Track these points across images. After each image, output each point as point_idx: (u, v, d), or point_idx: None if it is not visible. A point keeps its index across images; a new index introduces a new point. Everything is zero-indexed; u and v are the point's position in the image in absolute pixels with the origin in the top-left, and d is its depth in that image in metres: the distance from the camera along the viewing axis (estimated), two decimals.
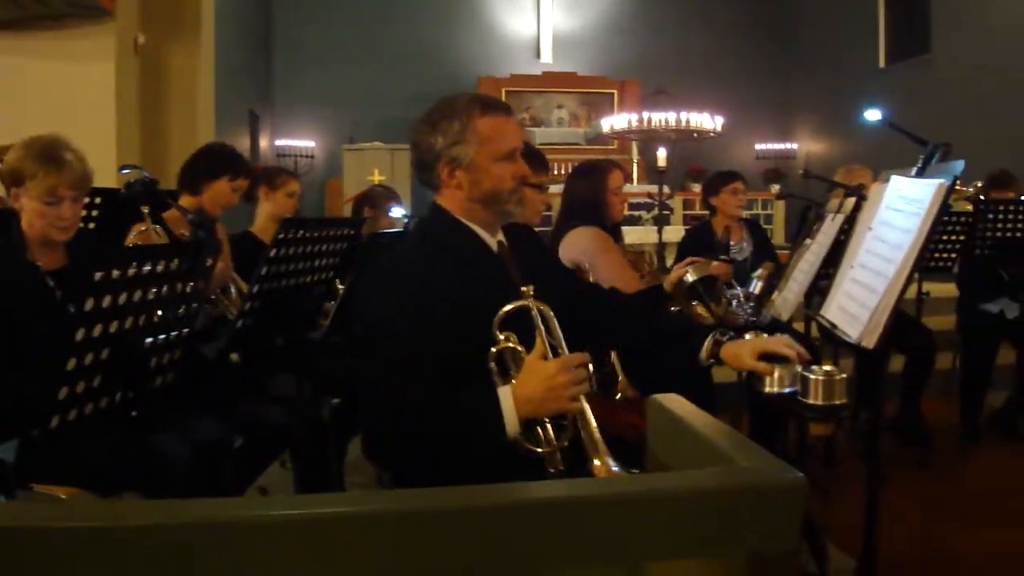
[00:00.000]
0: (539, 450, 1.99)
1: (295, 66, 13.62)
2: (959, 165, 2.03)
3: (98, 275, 2.00)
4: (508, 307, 2.04)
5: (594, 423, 1.98)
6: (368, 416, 2.06)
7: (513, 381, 2.00)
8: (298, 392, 3.27)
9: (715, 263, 3.58)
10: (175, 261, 2.22)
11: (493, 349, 2.02)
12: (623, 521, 1.19)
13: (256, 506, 1.30)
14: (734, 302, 3.89)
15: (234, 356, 3.25)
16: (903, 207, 2.09)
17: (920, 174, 2.20)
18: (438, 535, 1.15)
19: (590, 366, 2.03)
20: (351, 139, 11.86)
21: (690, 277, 3.31)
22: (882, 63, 13.28)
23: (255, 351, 3.30)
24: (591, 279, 3.55)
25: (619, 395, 2.93)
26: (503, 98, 13.71)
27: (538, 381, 1.94)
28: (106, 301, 2.03)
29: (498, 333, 2.02)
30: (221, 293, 3.41)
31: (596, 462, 1.93)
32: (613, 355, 3.05)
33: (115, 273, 2.02)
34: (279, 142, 13.51)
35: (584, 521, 1.19)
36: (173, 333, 2.34)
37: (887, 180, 2.28)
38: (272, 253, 2.79)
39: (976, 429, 5.01)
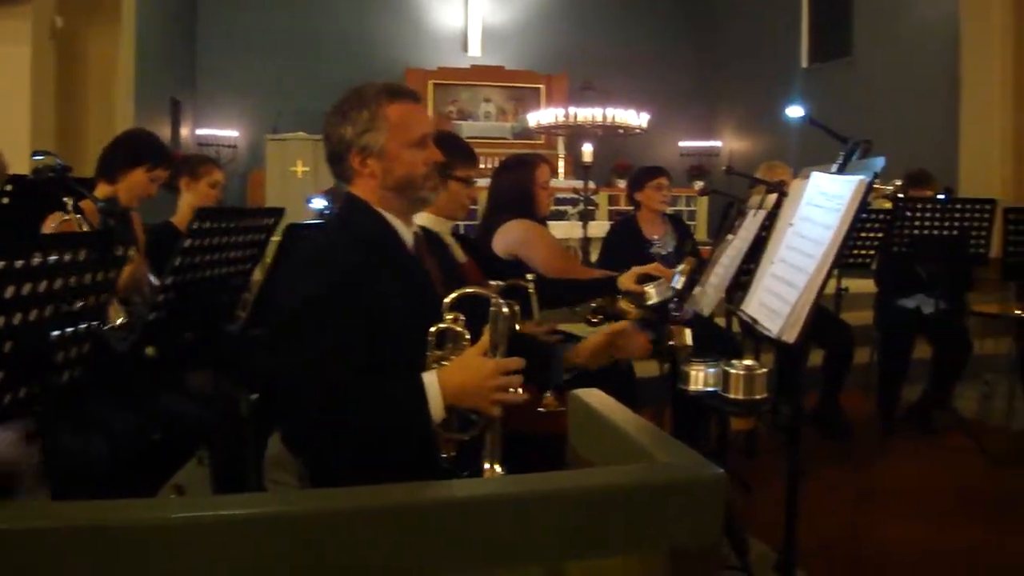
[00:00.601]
0: (446, 434, 2.00)
1: (220, 54, 13.36)
2: (879, 162, 2.05)
3: None
4: (471, 291, 2.07)
5: (499, 431, 1.99)
6: (288, 405, 2.02)
7: (444, 363, 2.01)
8: (215, 387, 3.20)
9: (654, 264, 3.60)
10: (84, 251, 2.14)
11: (434, 328, 2.02)
12: (543, 519, 1.18)
13: (170, 507, 1.26)
14: (648, 288, 3.92)
15: (150, 350, 3.15)
16: (824, 203, 2.11)
17: (841, 171, 2.22)
18: (356, 535, 1.13)
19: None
20: (274, 129, 11.66)
21: (653, 300, 3.34)
22: (805, 63, 13.51)
23: (171, 345, 3.21)
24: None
25: (543, 407, 2.92)
26: (430, 91, 13.67)
27: (472, 376, 1.94)
28: (9, 292, 1.94)
29: (447, 313, 2.04)
30: (136, 294, 3.29)
31: (487, 466, 1.94)
32: None
33: (18, 263, 1.94)
34: (201, 131, 13.24)
35: (503, 519, 1.17)
36: (82, 326, 2.26)
37: (808, 177, 2.29)
38: (187, 244, 2.71)
39: (893, 422, 5.12)
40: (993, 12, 9.28)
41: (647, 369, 4.48)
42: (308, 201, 4.78)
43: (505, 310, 2.05)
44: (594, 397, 1.58)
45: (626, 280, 3.43)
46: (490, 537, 1.16)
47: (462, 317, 2.05)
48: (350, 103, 2.13)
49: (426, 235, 2.79)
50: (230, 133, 13.33)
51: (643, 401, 4.02)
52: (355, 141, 2.10)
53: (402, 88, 2.18)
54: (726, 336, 4.44)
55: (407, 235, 2.20)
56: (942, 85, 10.32)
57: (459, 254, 3.06)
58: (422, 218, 2.97)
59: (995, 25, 9.27)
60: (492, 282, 2.07)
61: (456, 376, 1.95)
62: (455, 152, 3.00)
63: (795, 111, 2.69)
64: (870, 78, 11.82)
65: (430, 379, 1.94)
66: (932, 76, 10.68)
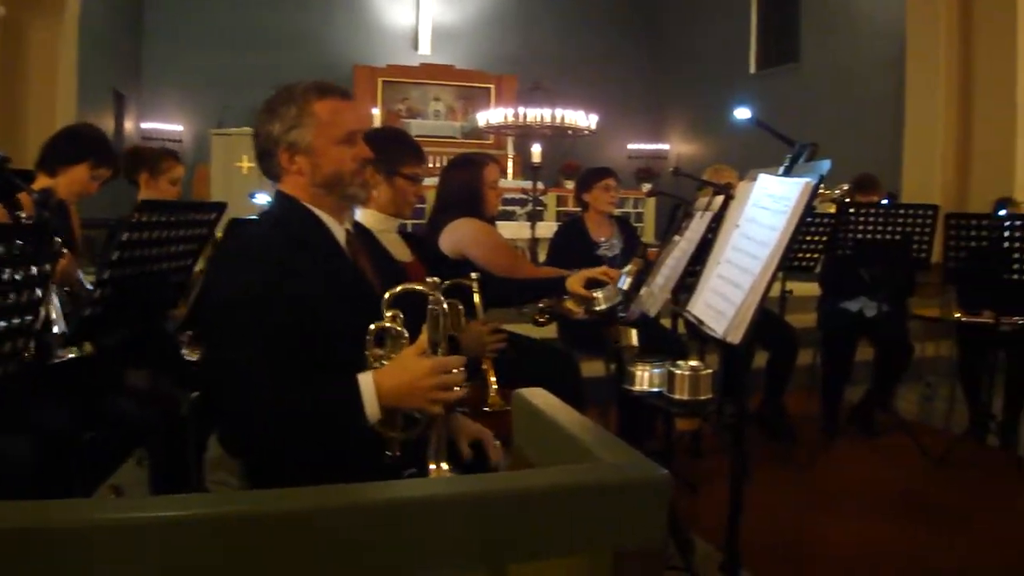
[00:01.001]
0: (390, 433, 1.98)
1: (166, 47, 13.17)
2: (825, 164, 2.06)
3: None
4: (414, 287, 2.04)
5: (444, 430, 1.97)
6: (222, 404, 1.98)
7: (384, 362, 1.99)
8: (153, 385, 3.13)
9: (602, 268, 3.59)
10: (15, 243, 2.07)
11: (373, 326, 2.00)
12: (484, 521, 1.16)
13: (106, 508, 1.22)
14: (597, 293, 3.92)
15: (88, 347, 3.08)
16: (770, 205, 2.11)
17: (787, 173, 2.23)
18: (296, 537, 1.11)
19: (463, 373, 1.99)
20: (220, 124, 11.51)
21: (601, 306, 3.33)
22: (753, 69, 13.67)
23: (108, 341, 3.13)
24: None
25: (488, 407, 2.91)
26: (379, 89, 13.59)
27: (407, 377, 1.92)
28: None
29: (386, 311, 2.01)
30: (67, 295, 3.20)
31: (432, 466, 1.93)
32: (486, 364, 3.03)
33: None
34: (145, 125, 13.04)
35: (444, 521, 1.15)
36: (15, 320, 2.19)
37: (755, 179, 2.30)
38: (125, 237, 2.65)
39: (836, 423, 5.18)
40: (939, 21, 9.44)
41: (593, 369, 4.50)
42: (251, 196, 4.69)
43: (445, 307, 2.03)
44: (538, 397, 1.56)
45: (574, 283, 3.42)
46: (429, 539, 1.13)
47: (401, 315, 2.03)
48: (278, 100, 2.10)
49: (360, 232, 2.77)
50: (175, 127, 13.14)
51: (589, 401, 4.03)
52: (283, 138, 2.08)
53: (331, 85, 2.14)
54: (672, 337, 4.45)
55: (339, 232, 2.17)
56: (887, 92, 10.50)
57: (404, 253, 3.03)
58: (367, 216, 2.94)
59: (941, 34, 9.44)
60: (431, 279, 2.03)
61: (392, 376, 1.93)
62: (403, 149, 2.97)
63: (743, 113, 2.71)
64: (817, 84, 12.00)
65: (366, 380, 1.92)
66: (878, 83, 10.87)
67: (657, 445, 4.11)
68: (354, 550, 1.12)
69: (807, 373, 5.87)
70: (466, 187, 3.81)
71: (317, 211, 2.12)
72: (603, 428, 1.38)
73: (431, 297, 2.02)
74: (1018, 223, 4.68)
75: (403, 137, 3.12)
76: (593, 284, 3.43)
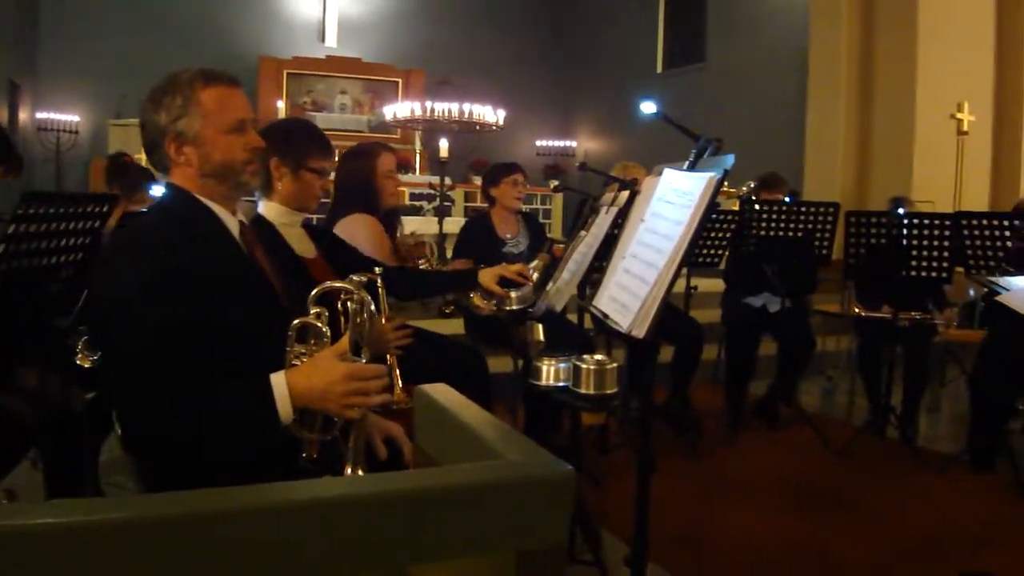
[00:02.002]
0: (306, 434, 1.93)
1: (63, 35, 12.70)
2: (729, 159, 2.06)
3: None
4: (336, 284, 2.00)
5: (363, 435, 1.93)
6: (122, 404, 1.89)
7: (303, 359, 1.94)
8: (42, 384, 3.00)
9: (518, 266, 3.57)
10: None
11: (297, 321, 1.96)
12: (383, 522, 1.12)
13: None
14: (512, 293, 3.90)
15: None
16: (675, 199, 2.11)
17: (692, 168, 2.23)
18: (186, 541, 1.05)
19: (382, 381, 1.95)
20: (118, 114, 11.20)
21: (513, 306, 3.31)
22: (660, 68, 13.84)
23: None
24: None
25: (395, 405, 2.85)
26: (284, 81, 13.36)
27: (322, 380, 1.87)
28: None
29: (311, 307, 1.97)
30: None
31: (348, 470, 1.88)
32: (391, 361, 2.97)
33: None
34: (41, 115, 12.59)
35: (340, 523, 1.11)
36: None
37: (660, 173, 2.30)
38: (11, 230, 2.53)
39: (740, 416, 5.26)
40: (841, 24, 9.70)
41: (501, 365, 4.48)
42: (147, 188, 4.55)
43: (372, 307, 1.99)
44: (441, 393, 1.52)
45: (487, 278, 3.40)
46: (324, 542, 1.09)
47: (325, 313, 1.98)
48: (164, 89, 2.01)
49: (260, 226, 2.69)
50: (71, 118, 12.72)
51: (497, 396, 4.01)
52: (169, 128, 1.99)
53: (218, 72, 2.06)
54: (579, 332, 4.45)
55: (232, 224, 2.08)
56: (791, 92, 10.73)
57: (307, 248, 2.95)
58: (269, 209, 2.86)
59: (842, 37, 9.70)
60: (358, 277, 1.98)
61: (307, 378, 1.87)
62: (310, 142, 2.89)
63: (648, 107, 2.71)
64: (722, 84, 12.21)
65: (278, 380, 1.86)
66: (781, 84, 11.11)
67: (564, 440, 4.12)
68: (247, 554, 1.08)
69: (712, 367, 5.95)
70: (360, 178, 3.74)
71: (208, 202, 2.04)
72: (507, 425, 1.35)
73: (354, 295, 1.97)
74: (915, 221, 4.82)
75: (310, 129, 3.03)
76: (507, 283, 3.41)
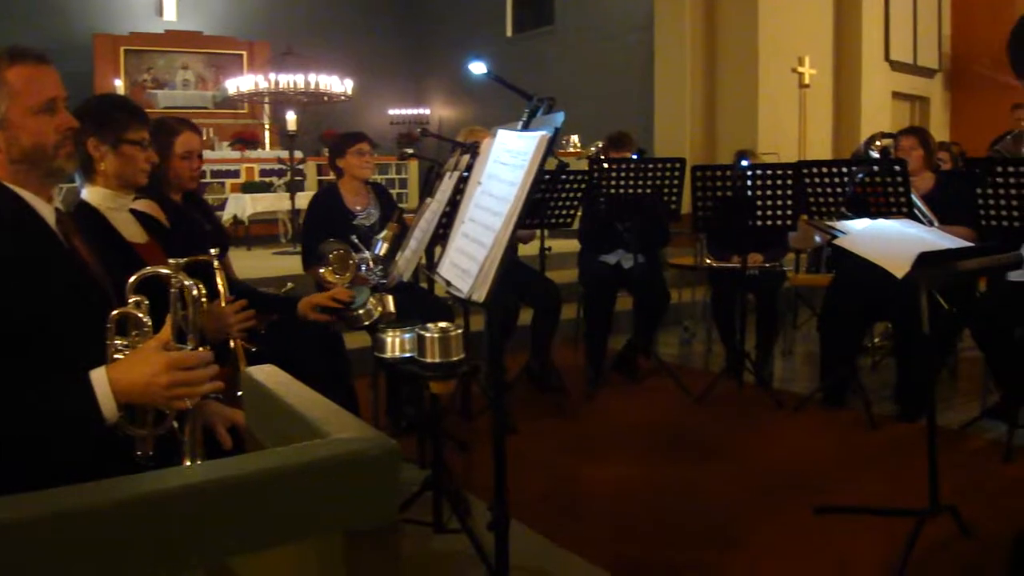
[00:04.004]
0: (138, 431, 1.84)
1: None
2: (559, 117, 2.04)
3: None
4: (156, 270, 1.89)
5: (199, 425, 1.84)
6: None
7: (125, 353, 1.84)
8: None
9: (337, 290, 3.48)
10: None
11: (115, 313, 1.85)
12: (198, 514, 1.06)
13: None
14: (363, 266, 3.83)
15: None
16: (509, 160, 2.08)
17: (525, 128, 2.20)
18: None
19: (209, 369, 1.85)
20: None
21: (366, 321, 3.24)
22: (509, 32, 13.84)
23: None
24: None
25: (241, 392, 2.74)
26: (122, 58, 12.82)
27: (143, 373, 1.75)
28: None
29: (130, 295, 1.87)
30: None
31: (187, 463, 1.79)
32: (233, 343, 2.85)
33: None
34: None
35: (161, 519, 1.04)
36: None
37: (495, 135, 2.26)
38: None
39: (602, 372, 5.31)
40: None
41: (359, 339, 4.40)
42: None
43: (195, 292, 1.89)
44: (265, 373, 1.46)
45: (305, 308, 3.32)
46: (135, 540, 1.02)
47: (146, 302, 1.87)
48: None
49: (84, 212, 2.54)
50: None
51: (358, 371, 3.94)
52: None
53: (25, 48, 1.90)
54: (434, 300, 4.41)
55: (47, 212, 1.94)
56: (639, 53, 10.90)
57: (137, 233, 2.79)
58: (94, 194, 2.69)
59: (687, 2, 9.86)
60: (173, 260, 1.87)
61: (128, 371, 1.76)
62: (125, 113, 2.71)
63: (478, 67, 2.65)
64: (572, 47, 12.29)
65: (99, 376, 1.74)
66: (629, 44, 11.26)
67: (426, 410, 4.08)
68: (55, 557, 1.01)
69: (571, 326, 6.00)
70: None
71: (19, 190, 1.89)
72: (333, 403, 1.29)
73: (173, 280, 1.86)
74: (759, 172, 4.94)
75: (121, 101, 2.85)
76: (327, 311, 3.35)
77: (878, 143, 5.39)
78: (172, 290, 1.85)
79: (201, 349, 1.86)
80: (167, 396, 1.76)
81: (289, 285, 3.55)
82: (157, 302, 1.93)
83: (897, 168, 4.41)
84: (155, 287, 1.93)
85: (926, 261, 2.75)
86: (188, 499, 1.04)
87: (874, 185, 4.46)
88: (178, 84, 13.53)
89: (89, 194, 2.70)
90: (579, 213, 5.31)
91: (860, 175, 4.48)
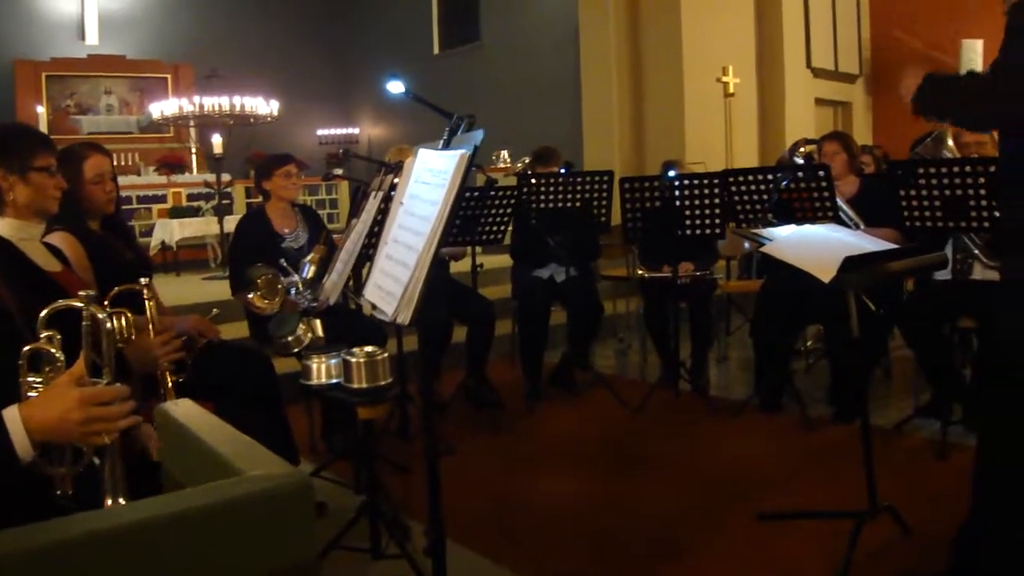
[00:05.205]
0: (57, 469, 1.76)
1: None
2: (479, 135, 2.03)
3: None
4: (65, 304, 1.80)
5: (119, 462, 1.77)
6: None
7: (39, 390, 1.77)
8: None
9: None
10: None
11: (27, 348, 1.78)
12: (117, 559, 1.01)
13: None
14: (292, 290, 3.77)
15: None
16: (430, 179, 2.05)
17: (447, 145, 2.18)
18: None
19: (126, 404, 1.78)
20: None
21: (297, 348, 3.18)
22: (436, 50, 13.83)
23: None
24: None
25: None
26: (44, 84, 12.56)
27: (55, 410, 1.68)
28: None
29: (42, 330, 1.80)
30: None
31: (108, 501, 1.72)
32: (163, 376, 2.77)
33: None
34: None
35: (72, 569, 0.99)
36: None
37: (416, 154, 2.24)
38: None
39: (539, 386, 5.29)
40: (608, 5, 9.93)
41: (291, 365, 4.33)
42: None
43: (109, 325, 1.82)
44: (181, 409, 1.41)
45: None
46: None
47: (58, 336, 1.80)
48: None
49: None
50: None
51: (291, 395, 3.86)
52: None
53: None
54: (366, 322, 4.35)
55: None
56: (566, 69, 10.96)
57: (51, 262, 2.71)
58: (5, 226, 2.60)
59: (610, 10, 9.96)
60: (84, 292, 1.79)
61: (40, 410, 1.69)
62: (29, 140, 2.63)
63: (395, 87, 2.63)
64: (499, 63, 12.33)
65: (11, 415, 1.68)
66: (556, 59, 11.33)
67: (361, 435, 4.01)
68: None
69: (507, 342, 5.98)
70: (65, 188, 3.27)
71: None
72: (247, 437, 1.25)
73: (84, 312, 1.79)
74: (687, 182, 4.97)
75: (25, 129, 2.76)
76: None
77: (802, 149, 5.45)
78: (84, 323, 1.78)
79: (118, 384, 1.79)
80: (82, 432, 1.70)
81: (215, 311, 3.45)
82: (74, 335, 1.86)
83: (821, 173, 4.46)
84: (71, 320, 1.86)
85: (851, 265, 2.77)
86: (99, 546, 1.00)
87: (799, 191, 4.51)
88: (102, 109, 13.28)
89: (2, 226, 2.61)
90: (510, 228, 5.31)
91: (785, 181, 4.53)
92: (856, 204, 4.73)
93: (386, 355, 2.23)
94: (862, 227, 4.48)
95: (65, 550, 1.01)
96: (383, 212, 2.94)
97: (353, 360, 2.22)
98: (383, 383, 2.24)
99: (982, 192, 3.77)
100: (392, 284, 2.02)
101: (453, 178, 1.92)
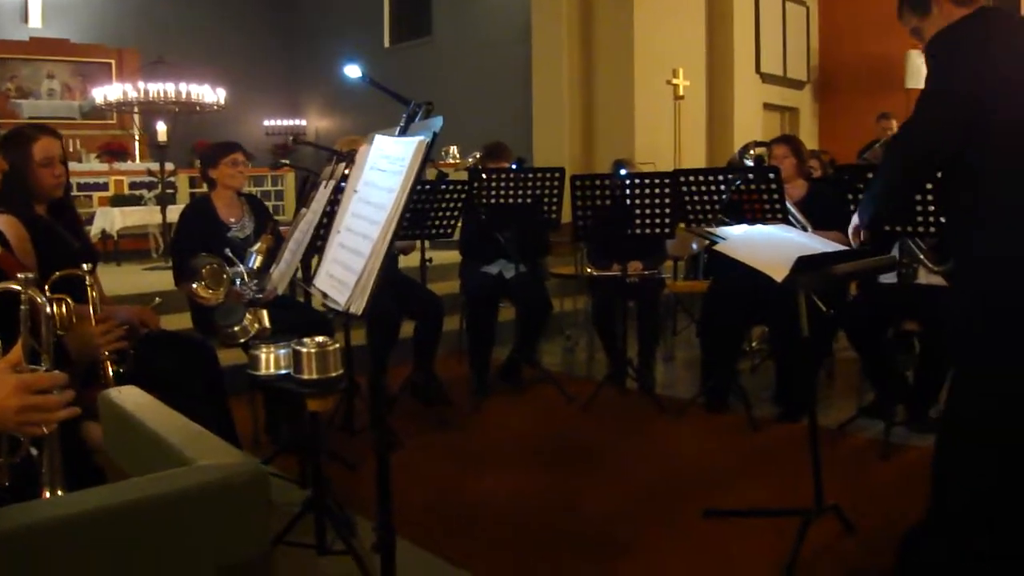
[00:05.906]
0: None
1: None
2: (438, 122, 1.99)
3: None
4: (4, 287, 1.75)
5: (57, 451, 1.70)
6: None
7: None
8: None
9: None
10: None
11: None
12: (60, 552, 0.96)
13: None
14: (237, 280, 3.70)
15: None
16: (387, 166, 2.01)
17: (403, 133, 2.14)
18: None
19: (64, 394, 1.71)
20: None
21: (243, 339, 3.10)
22: (387, 43, 13.73)
23: None
24: None
25: None
26: None
27: None
28: None
29: None
30: None
31: (46, 494, 1.65)
32: (104, 364, 2.70)
33: None
34: None
35: (11, 559, 0.94)
36: None
37: (372, 141, 2.20)
38: None
39: (486, 382, 5.26)
40: (561, 4, 9.93)
41: (235, 357, 4.25)
42: None
43: (48, 310, 1.75)
44: (128, 397, 1.35)
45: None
46: None
47: None
48: None
49: None
50: None
51: (235, 387, 3.78)
52: None
53: None
54: (310, 314, 4.30)
55: None
56: (517, 65, 10.93)
57: None
58: None
59: (563, 8, 9.94)
60: (22, 275, 1.72)
61: None
62: None
63: (352, 71, 2.59)
64: (450, 58, 12.26)
65: None
66: (508, 55, 11.29)
67: (306, 427, 3.95)
68: None
69: (455, 337, 5.94)
70: (13, 170, 3.03)
71: None
72: (197, 426, 1.20)
73: (23, 296, 1.73)
74: (637, 181, 4.98)
75: None
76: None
77: (752, 152, 5.49)
78: (22, 307, 1.71)
79: (56, 371, 1.72)
80: (18, 421, 1.62)
81: (157, 300, 3.37)
82: (11, 320, 1.79)
83: (771, 176, 4.49)
84: (8, 304, 1.79)
85: (804, 265, 2.79)
86: (36, 539, 0.95)
87: (749, 192, 4.54)
88: (43, 93, 12.95)
89: None
90: (459, 224, 5.27)
91: (737, 182, 4.55)
92: (804, 207, 4.77)
93: (337, 346, 2.19)
94: (810, 230, 4.52)
95: (3, 542, 0.96)
96: (334, 202, 2.89)
97: (304, 350, 2.17)
98: (333, 375, 2.20)
99: (928, 198, 3.81)
100: (345, 273, 1.98)
101: (411, 165, 1.88)
